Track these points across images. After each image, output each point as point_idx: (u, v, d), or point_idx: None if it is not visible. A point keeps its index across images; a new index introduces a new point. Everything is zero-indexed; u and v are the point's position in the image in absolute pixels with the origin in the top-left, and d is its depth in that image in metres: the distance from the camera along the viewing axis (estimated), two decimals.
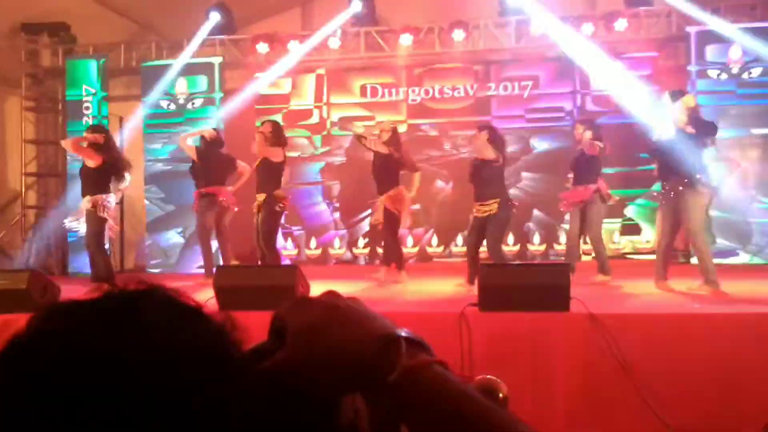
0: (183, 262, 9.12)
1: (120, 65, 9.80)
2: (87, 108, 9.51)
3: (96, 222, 6.55)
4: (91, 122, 9.37)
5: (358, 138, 6.87)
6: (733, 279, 5.80)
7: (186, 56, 9.27)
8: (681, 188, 5.58)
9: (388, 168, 6.66)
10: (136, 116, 9.46)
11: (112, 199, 6.63)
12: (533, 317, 4.48)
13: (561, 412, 4.38)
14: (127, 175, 6.71)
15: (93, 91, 9.49)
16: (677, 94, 5.78)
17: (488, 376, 1.46)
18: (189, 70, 9.36)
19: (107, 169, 6.60)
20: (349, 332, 0.64)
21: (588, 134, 6.59)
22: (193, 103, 9.34)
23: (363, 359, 0.62)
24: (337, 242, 9.50)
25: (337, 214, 9.54)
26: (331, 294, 0.70)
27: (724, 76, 8.38)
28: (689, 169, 5.55)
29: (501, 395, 1.43)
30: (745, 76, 8.36)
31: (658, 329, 4.41)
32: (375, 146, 6.66)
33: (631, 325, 4.42)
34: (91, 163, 6.59)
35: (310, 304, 0.68)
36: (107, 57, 9.68)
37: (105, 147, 6.63)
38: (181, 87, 9.36)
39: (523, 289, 4.55)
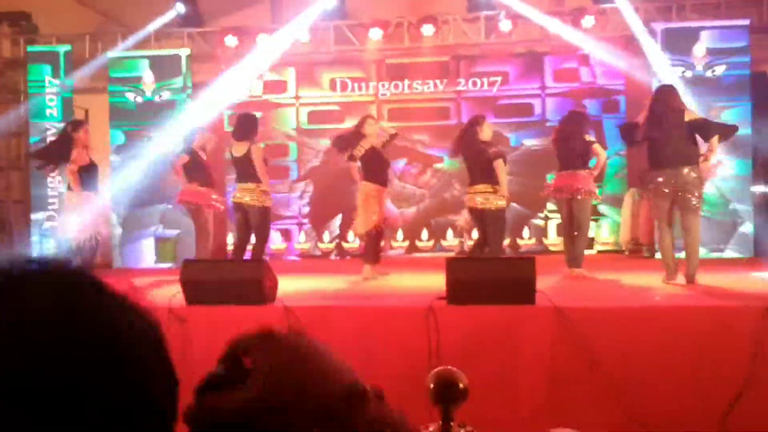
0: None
1: (85, 56, 9.63)
2: (50, 100, 9.33)
3: None
4: (54, 114, 9.23)
5: (392, 137, 6.92)
6: (711, 272, 5.87)
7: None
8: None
9: (381, 164, 6.69)
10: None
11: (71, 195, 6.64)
12: (500, 310, 4.52)
13: (526, 405, 4.42)
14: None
15: (56, 82, 9.32)
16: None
17: (448, 367, 1.46)
18: (156, 63, 9.23)
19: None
20: (319, 379, 0.67)
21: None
22: (160, 96, 9.22)
23: (332, 407, 0.65)
24: (302, 237, 9.47)
25: (306, 209, 9.51)
26: (297, 335, 0.73)
27: (688, 73, 8.51)
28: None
29: (461, 386, 1.44)
30: (709, 73, 8.50)
31: (623, 322, 4.47)
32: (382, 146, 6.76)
33: (595, 319, 4.48)
34: None
35: (277, 343, 0.71)
36: (71, 48, 9.50)
37: None
38: (148, 79, 9.23)
39: (490, 283, 4.59)
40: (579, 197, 6.36)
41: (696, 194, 5.58)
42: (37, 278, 0.58)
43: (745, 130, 8.39)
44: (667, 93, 5.83)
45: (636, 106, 7.62)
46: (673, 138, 5.61)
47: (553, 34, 8.83)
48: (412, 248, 9.17)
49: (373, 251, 6.71)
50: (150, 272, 7.74)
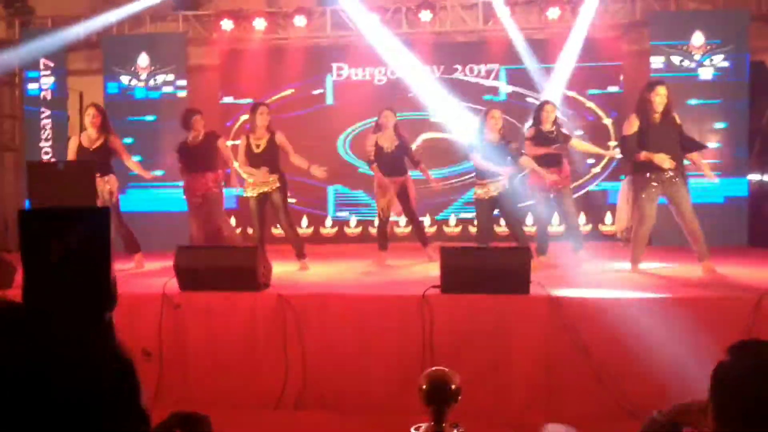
0: None
1: (80, 38, 9.55)
2: (44, 82, 9.26)
3: None
4: (48, 97, 9.17)
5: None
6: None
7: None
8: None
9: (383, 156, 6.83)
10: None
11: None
12: (494, 300, 4.53)
13: (520, 393, 4.45)
14: None
15: (51, 64, 9.24)
16: (655, 84, 5.90)
17: (441, 368, 1.46)
18: (151, 46, 9.16)
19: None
20: None
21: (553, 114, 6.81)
22: (155, 79, 9.16)
23: None
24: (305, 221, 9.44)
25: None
26: None
27: (686, 62, 8.49)
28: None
29: (453, 387, 1.44)
30: (707, 62, 8.48)
31: (616, 312, 4.48)
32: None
33: (588, 308, 4.49)
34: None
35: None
36: (66, 29, 9.41)
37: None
38: (143, 62, 9.17)
39: (484, 272, 4.59)
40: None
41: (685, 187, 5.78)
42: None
43: (742, 119, 8.42)
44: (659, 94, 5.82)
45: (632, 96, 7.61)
46: (667, 142, 5.71)
47: (552, 21, 8.80)
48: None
49: (379, 238, 6.95)
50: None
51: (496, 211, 6.57)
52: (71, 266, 0.69)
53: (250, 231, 8.29)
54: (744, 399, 1.41)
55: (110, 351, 0.61)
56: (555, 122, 6.81)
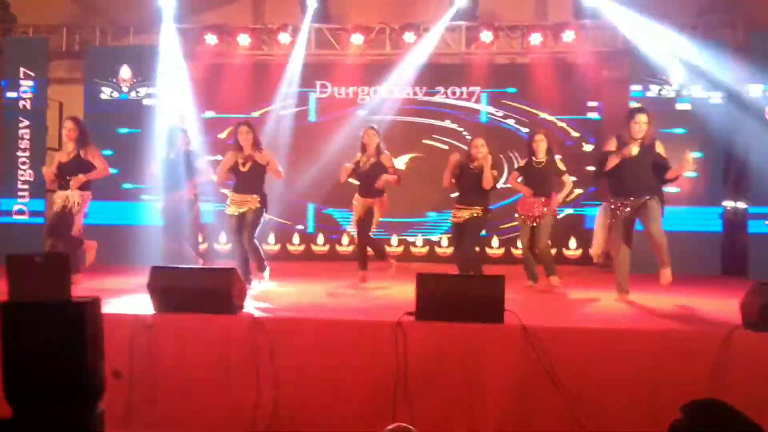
0: None
1: (62, 48, 9.51)
2: (24, 91, 9.17)
3: None
4: (29, 105, 9.10)
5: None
6: (676, 292, 5.97)
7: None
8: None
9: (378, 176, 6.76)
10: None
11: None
12: (468, 328, 4.54)
13: (492, 422, 4.45)
14: None
15: (32, 73, 9.16)
16: (636, 111, 5.90)
17: (402, 424, 1.46)
18: (134, 58, 9.13)
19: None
20: None
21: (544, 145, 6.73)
22: (137, 92, 9.12)
23: None
24: (296, 239, 9.41)
25: None
26: None
27: (664, 91, 8.61)
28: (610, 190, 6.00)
29: None
30: (684, 92, 8.60)
31: (589, 343, 4.51)
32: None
33: (562, 339, 4.51)
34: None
35: None
36: (48, 39, 9.37)
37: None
38: (126, 74, 9.13)
39: (459, 300, 4.60)
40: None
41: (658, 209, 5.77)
42: None
43: (718, 149, 8.54)
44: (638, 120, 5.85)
45: (611, 123, 7.72)
46: (640, 168, 5.73)
47: (534, 47, 8.89)
48: (407, 254, 9.16)
49: (358, 256, 7.02)
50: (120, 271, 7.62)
51: None
52: (52, 358, 0.69)
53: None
54: None
55: None
56: (548, 152, 6.75)
